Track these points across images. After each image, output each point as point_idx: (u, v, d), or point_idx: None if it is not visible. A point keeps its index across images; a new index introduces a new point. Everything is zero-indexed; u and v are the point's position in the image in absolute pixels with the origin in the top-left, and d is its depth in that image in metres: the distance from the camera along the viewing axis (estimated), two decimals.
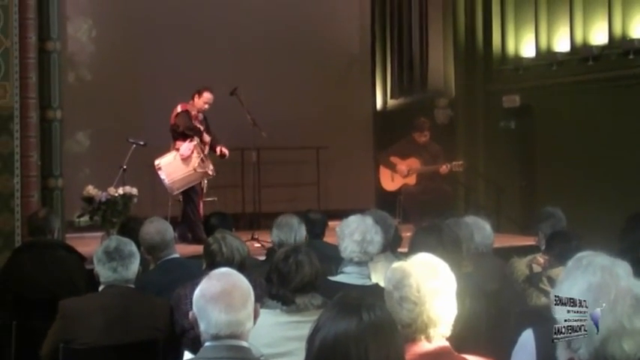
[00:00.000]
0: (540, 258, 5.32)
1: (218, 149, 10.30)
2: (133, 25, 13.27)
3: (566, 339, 2.52)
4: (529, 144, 11.99)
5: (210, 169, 10.07)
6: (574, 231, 5.54)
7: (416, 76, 14.57)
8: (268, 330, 4.00)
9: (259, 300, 3.31)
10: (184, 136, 10.03)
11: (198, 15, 13.50)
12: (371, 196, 13.25)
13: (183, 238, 9.86)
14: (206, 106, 10.18)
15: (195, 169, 9.92)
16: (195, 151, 9.90)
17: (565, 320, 2.50)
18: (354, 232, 5.00)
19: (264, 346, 3.84)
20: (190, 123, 10.06)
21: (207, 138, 10.17)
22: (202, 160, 9.93)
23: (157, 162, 9.94)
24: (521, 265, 5.13)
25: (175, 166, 9.88)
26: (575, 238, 5.25)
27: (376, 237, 5.06)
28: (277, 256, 4.30)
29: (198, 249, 6.52)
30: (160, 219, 6.07)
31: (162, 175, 9.86)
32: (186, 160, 9.89)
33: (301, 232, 6.08)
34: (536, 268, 5.17)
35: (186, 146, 9.91)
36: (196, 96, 10.18)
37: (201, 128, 10.15)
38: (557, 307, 2.55)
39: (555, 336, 2.56)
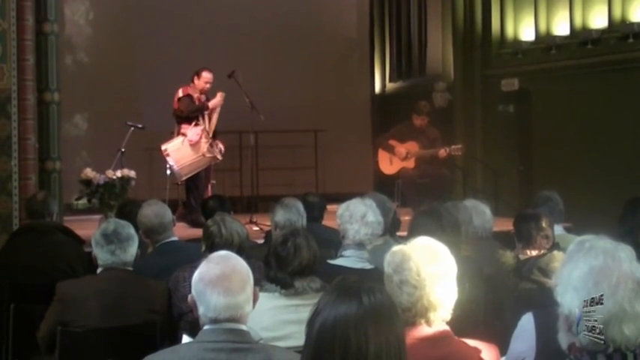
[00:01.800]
0: (527, 250, 5.24)
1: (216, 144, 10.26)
2: (130, 7, 13.23)
3: (567, 323, 2.51)
4: (527, 128, 11.98)
5: (217, 153, 10.04)
6: (539, 211, 5.46)
7: (414, 60, 14.54)
8: (267, 313, 3.99)
9: (258, 283, 3.31)
10: (189, 120, 9.99)
11: None
12: (369, 180, 13.24)
13: (183, 218, 9.90)
14: (207, 85, 10.13)
15: (204, 154, 9.90)
16: (202, 136, 9.87)
17: (566, 304, 2.50)
18: (365, 214, 4.99)
19: (263, 329, 3.84)
20: (193, 105, 10.00)
21: (215, 101, 10.09)
22: (211, 145, 9.91)
23: (164, 147, 9.85)
24: (507, 258, 5.11)
25: (184, 151, 9.83)
26: (538, 218, 5.18)
27: (382, 218, 5.08)
28: (275, 239, 4.29)
29: (197, 232, 6.50)
30: (158, 202, 6.05)
31: (171, 160, 9.80)
32: (195, 145, 9.84)
33: (304, 218, 6.04)
34: (523, 257, 5.12)
35: (194, 131, 9.86)
36: (195, 78, 10.13)
37: (204, 100, 10.07)
38: (557, 290, 2.54)
39: (555, 320, 2.56)
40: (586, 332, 2.45)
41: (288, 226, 5.64)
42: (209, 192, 10.13)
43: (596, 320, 2.43)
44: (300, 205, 6.06)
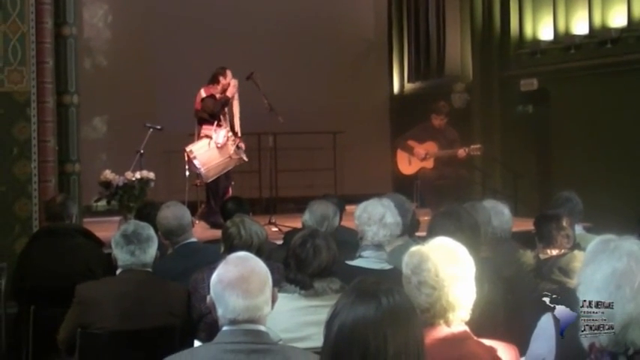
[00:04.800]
0: (547, 249, 5.22)
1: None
2: (148, 10, 13.27)
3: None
4: (546, 128, 11.93)
5: (244, 154, 10.06)
6: (560, 211, 5.45)
7: (433, 61, 14.52)
8: (286, 315, 3.99)
9: (277, 284, 3.30)
10: (210, 121, 10.00)
11: (214, 0, 13.48)
12: (388, 181, 13.22)
13: (204, 218, 9.96)
14: (233, 81, 10.18)
15: (231, 157, 9.92)
16: (229, 139, 9.90)
17: (587, 305, 2.48)
18: (384, 216, 4.98)
19: (283, 330, 3.83)
20: (217, 102, 10.02)
21: (230, 89, 10.10)
22: (238, 147, 9.94)
23: (189, 148, 9.85)
24: (528, 257, 5.09)
25: (211, 154, 9.84)
26: (559, 218, 5.17)
27: (400, 219, 5.07)
28: (294, 240, 4.28)
29: (216, 234, 6.51)
30: (177, 203, 6.05)
31: (197, 163, 9.81)
32: (222, 148, 9.85)
33: (333, 223, 5.97)
34: (544, 257, 5.10)
35: (220, 134, 9.87)
36: (222, 78, 10.15)
37: (229, 96, 10.10)
38: (579, 289, 2.53)
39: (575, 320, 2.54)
40: (588, 333, 2.44)
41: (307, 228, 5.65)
42: (230, 193, 10.16)
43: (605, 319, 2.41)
44: (329, 211, 5.98)
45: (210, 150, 9.85)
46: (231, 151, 9.90)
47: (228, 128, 10.02)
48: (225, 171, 10.02)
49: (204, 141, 9.90)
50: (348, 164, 13.97)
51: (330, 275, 4.17)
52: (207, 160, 9.82)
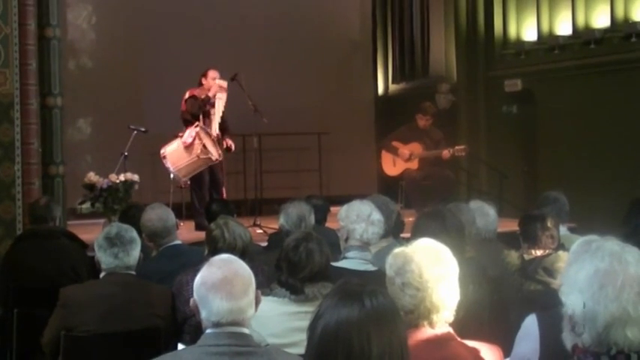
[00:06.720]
0: (532, 250, 5.23)
1: (225, 143, 10.24)
2: (133, 11, 13.22)
3: (571, 323, 2.50)
4: (531, 128, 11.95)
5: (215, 153, 9.92)
6: (545, 211, 5.46)
7: (417, 62, 14.53)
8: (276, 320, 3.96)
9: (261, 287, 3.29)
10: (193, 122, 9.96)
11: (199, 1, 13.46)
12: (373, 182, 13.22)
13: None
14: (217, 81, 10.13)
15: (198, 156, 9.84)
16: (197, 138, 9.82)
17: (570, 305, 2.48)
18: (371, 214, 4.96)
19: (271, 335, 3.80)
20: (196, 102, 9.99)
21: (213, 88, 10.08)
22: (204, 147, 9.83)
23: (162, 151, 9.85)
24: (512, 258, 5.10)
25: (179, 154, 9.79)
26: (544, 218, 5.18)
27: (382, 217, 5.07)
28: (287, 243, 4.24)
29: (200, 235, 6.50)
30: (162, 205, 6.04)
31: (168, 164, 9.77)
32: (188, 147, 9.80)
33: (310, 222, 5.99)
34: (528, 257, 5.11)
35: (188, 133, 9.83)
36: (203, 79, 10.17)
37: (210, 95, 10.08)
38: (562, 290, 2.53)
39: (559, 321, 2.55)
40: (586, 334, 2.44)
41: (285, 231, 5.66)
42: (224, 194, 10.15)
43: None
44: (305, 212, 5.99)
45: (179, 150, 9.80)
46: (198, 151, 9.80)
47: (199, 129, 9.88)
48: (197, 171, 9.93)
49: (176, 141, 9.88)
50: (334, 165, 13.97)
51: (323, 280, 4.12)
52: (176, 159, 9.78)
